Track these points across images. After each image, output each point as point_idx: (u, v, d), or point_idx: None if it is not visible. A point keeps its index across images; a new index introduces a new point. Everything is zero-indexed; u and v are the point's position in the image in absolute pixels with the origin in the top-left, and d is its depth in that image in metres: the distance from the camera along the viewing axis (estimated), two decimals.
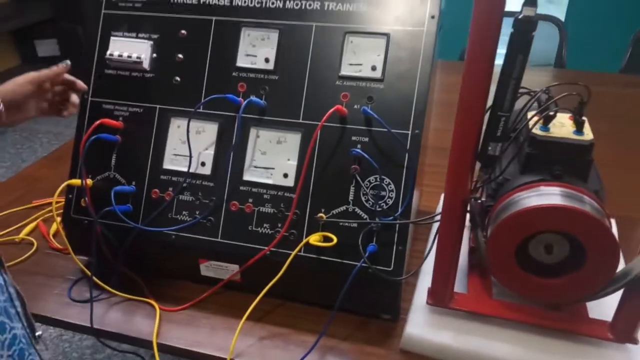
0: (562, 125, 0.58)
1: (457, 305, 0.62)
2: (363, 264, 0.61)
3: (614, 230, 0.80)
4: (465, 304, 0.62)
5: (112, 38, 0.74)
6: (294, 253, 0.63)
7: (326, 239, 0.63)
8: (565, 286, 0.54)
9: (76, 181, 0.71)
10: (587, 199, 0.53)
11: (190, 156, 0.69)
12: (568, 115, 0.58)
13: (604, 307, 0.60)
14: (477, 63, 0.47)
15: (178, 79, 0.72)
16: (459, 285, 0.67)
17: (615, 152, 1.07)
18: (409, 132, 0.64)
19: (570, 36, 1.78)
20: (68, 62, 0.70)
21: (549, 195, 0.52)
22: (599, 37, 2.39)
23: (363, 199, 0.64)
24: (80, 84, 0.73)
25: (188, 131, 0.68)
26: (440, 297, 0.62)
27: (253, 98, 0.67)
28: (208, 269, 0.70)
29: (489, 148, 0.51)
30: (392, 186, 0.64)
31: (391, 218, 0.62)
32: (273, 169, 0.68)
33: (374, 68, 0.65)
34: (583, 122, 0.56)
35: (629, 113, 1.29)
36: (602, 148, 0.58)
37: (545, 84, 0.58)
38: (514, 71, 0.47)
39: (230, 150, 0.68)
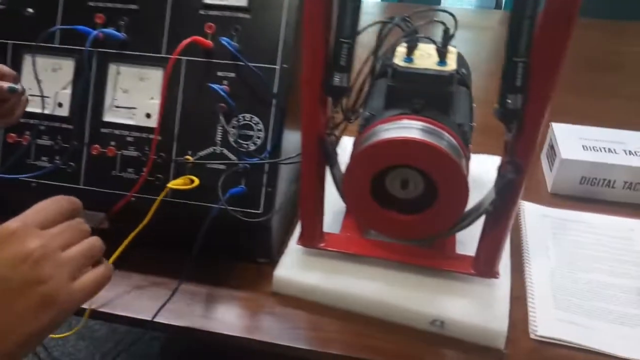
0: (429, 56, 0.55)
1: (327, 246, 0.60)
2: (224, 207, 0.58)
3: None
4: (334, 244, 0.60)
5: None
6: (158, 199, 0.60)
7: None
8: (420, 222, 0.52)
9: None
10: (446, 134, 0.50)
11: (44, 96, 0.63)
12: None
13: (474, 243, 0.59)
14: None
15: (30, 10, 0.65)
16: (336, 225, 0.65)
17: None
18: (277, 67, 0.60)
19: None
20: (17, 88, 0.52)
21: (403, 129, 0.50)
22: None
23: (231, 139, 0.61)
24: (7, 70, 0.54)
25: (35, 68, 0.62)
26: (309, 238, 0.60)
27: (109, 30, 0.61)
28: None
29: (336, 79, 0.47)
30: (261, 125, 0.60)
31: (257, 159, 0.59)
32: (135, 108, 0.63)
33: None
34: (445, 52, 0.53)
35: None
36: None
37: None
38: None
39: (88, 88, 0.63)
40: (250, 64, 0.59)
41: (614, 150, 0.76)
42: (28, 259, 0.34)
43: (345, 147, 0.61)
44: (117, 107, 0.63)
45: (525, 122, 0.44)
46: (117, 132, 0.63)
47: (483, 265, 0.56)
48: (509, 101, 0.43)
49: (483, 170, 0.76)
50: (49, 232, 0.37)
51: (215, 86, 0.58)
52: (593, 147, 0.77)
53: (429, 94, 0.52)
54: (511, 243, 0.67)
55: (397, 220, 0.53)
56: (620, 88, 1.11)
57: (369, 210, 0.53)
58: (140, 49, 0.62)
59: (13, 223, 0.36)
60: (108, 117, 0.63)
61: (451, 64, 0.53)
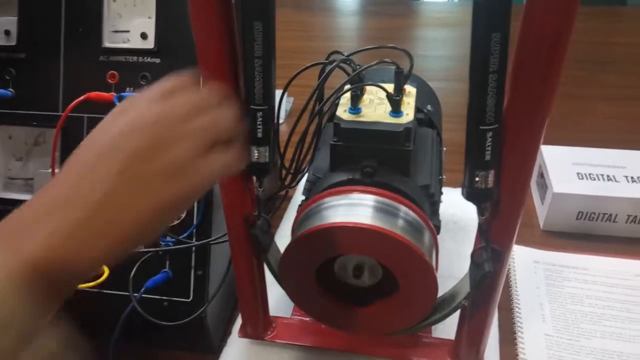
0: (380, 103, 0.44)
1: (274, 336, 0.49)
2: (136, 305, 0.46)
3: None
4: (283, 333, 0.50)
5: None
6: None
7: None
8: (379, 317, 0.42)
9: None
10: (403, 209, 0.39)
11: None
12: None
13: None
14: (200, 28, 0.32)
15: None
16: (287, 304, 0.54)
17: None
18: None
19: None
20: None
21: (351, 207, 0.39)
22: None
23: None
24: None
25: None
26: (252, 328, 0.49)
27: None
28: None
29: (254, 154, 0.36)
30: None
31: (184, 236, 0.48)
32: (33, 179, 0.52)
33: (144, 36, 0.49)
34: (399, 99, 0.42)
35: None
36: None
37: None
38: (254, 44, 0.32)
39: None
40: None
41: (614, 177, 0.65)
42: (148, 124, 0.28)
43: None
44: (12, 178, 0.52)
45: (502, 202, 0.34)
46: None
47: (465, 353, 0.45)
48: (478, 179, 0.32)
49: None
50: (169, 102, 0.29)
51: None
52: (589, 175, 0.66)
53: (382, 154, 0.41)
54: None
55: (350, 314, 0.42)
56: (616, 87, 1.00)
57: (315, 302, 0.42)
58: (32, 106, 0.51)
59: (132, 96, 0.31)
60: (3, 193, 0.52)
61: (408, 113, 0.42)
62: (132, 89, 0.49)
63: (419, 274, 0.38)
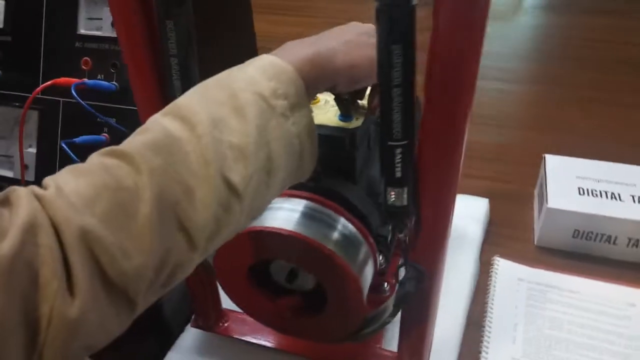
0: (334, 106, 0.42)
1: (226, 330, 0.50)
2: None
3: (484, 209, 0.66)
4: (235, 327, 0.50)
5: None
6: None
7: None
8: (309, 322, 0.40)
9: None
10: (341, 220, 0.38)
11: None
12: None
13: None
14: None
15: None
16: None
17: None
18: None
19: None
20: None
21: (283, 212, 0.38)
22: None
23: None
24: None
25: None
26: (203, 320, 0.50)
27: None
28: None
29: None
30: None
31: None
32: (12, 157, 0.54)
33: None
34: (350, 101, 0.40)
35: None
36: None
37: None
38: (168, 43, 0.31)
39: None
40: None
41: (618, 195, 0.60)
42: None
43: None
44: None
45: (423, 220, 0.31)
46: None
47: None
48: (392, 197, 0.30)
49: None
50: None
51: (64, 142, 0.47)
52: (592, 191, 0.61)
53: (328, 158, 0.40)
54: (469, 319, 0.55)
55: (282, 315, 0.42)
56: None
57: (247, 300, 0.42)
58: (15, 87, 0.53)
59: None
60: None
61: (358, 117, 0.40)
62: (102, 76, 0.49)
63: (345, 287, 0.36)
